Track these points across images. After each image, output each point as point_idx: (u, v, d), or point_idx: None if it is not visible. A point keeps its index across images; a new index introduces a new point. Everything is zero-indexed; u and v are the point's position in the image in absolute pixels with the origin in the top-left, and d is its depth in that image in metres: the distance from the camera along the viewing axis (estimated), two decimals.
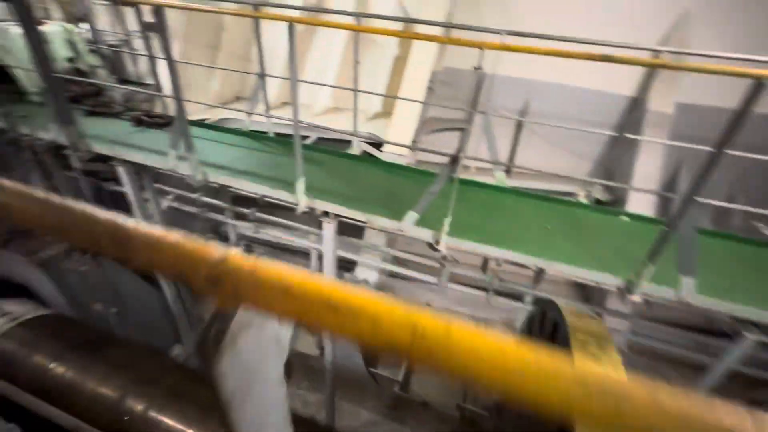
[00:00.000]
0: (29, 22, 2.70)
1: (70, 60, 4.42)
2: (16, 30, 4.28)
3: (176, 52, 5.65)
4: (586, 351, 1.38)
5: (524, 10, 4.70)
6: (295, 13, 5.43)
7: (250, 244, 5.23)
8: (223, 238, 5.47)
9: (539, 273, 3.38)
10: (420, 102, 4.51)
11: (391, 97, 5.06)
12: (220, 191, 4.59)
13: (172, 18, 5.62)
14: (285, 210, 3.27)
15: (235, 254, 0.72)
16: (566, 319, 1.61)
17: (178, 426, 3.13)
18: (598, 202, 4.36)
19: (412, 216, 2.55)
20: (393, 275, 5.09)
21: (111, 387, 3.41)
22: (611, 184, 3.08)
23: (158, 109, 4.36)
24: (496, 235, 2.63)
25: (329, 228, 2.90)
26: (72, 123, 3.16)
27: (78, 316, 4.51)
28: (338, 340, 5.85)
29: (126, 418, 3.20)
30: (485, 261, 4.52)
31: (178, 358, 5.69)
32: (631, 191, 4.46)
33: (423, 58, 5.03)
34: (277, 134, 3.96)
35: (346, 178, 3.27)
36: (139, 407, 3.27)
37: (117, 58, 5.06)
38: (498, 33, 2.73)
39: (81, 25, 4.80)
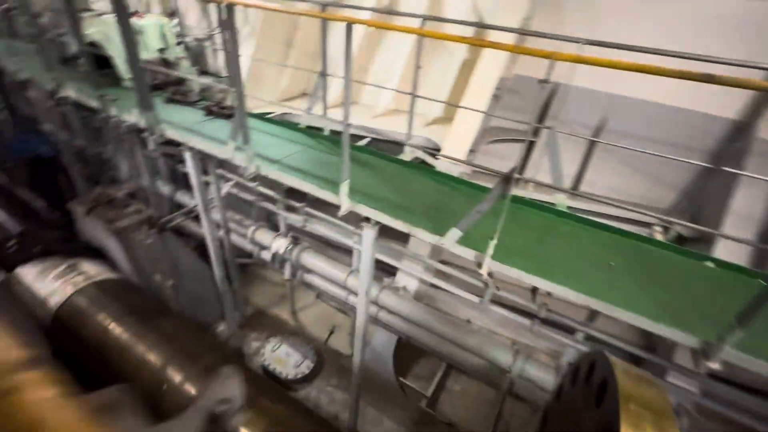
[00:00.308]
0: (123, 15, 2.98)
1: (161, 51, 4.84)
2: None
3: (252, 48, 5.98)
4: (637, 429, 1.14)
5: (610, 16, 4.24)
6: (365, 15, 5.46)
7: (298, 236, 5.36)
8: (275, 227, 5.67)
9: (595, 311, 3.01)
10: (482, 112, 4.29)
11: (452, 105, 4.88)
12: (275, 182, 4.77)
13: (253, 16, 5.96)
14: (333, 206, 3.27)
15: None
16: (618, 381, 1.36)
17: None
18: (679, 239, 3.80)
19: (455, 233, 2.39)
20: (434, 286, 4.92)
21: (157, 354, 3.68)
22: (697, 227, 2.62)
23: (229, 101, 4.63)
24: (549, 264, 2.37)
25: (369, 233, 2.83)
26: (151, 109, 3.45)
27: (140, 283, 4.97)
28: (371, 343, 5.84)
29: (164, 386, 3.42)
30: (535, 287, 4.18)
31: (221, 335, 6.03)
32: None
33: (492, 64, 4.79)
34: (333, 132, 3.99)
35: (394, 184, 3.18)
36: (177, 378, 3.48)
37: (200, 52, 5.48)
38: (577, 42, 2.46)
39: (174, 18, 5.24)
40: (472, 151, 4.82)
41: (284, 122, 4.31)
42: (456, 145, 4.57)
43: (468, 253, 2.38)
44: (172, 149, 4.05)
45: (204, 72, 5.53)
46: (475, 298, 3.99)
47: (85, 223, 4.95)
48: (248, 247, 5.53)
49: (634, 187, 4.47)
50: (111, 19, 4.82)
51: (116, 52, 4.73)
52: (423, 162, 3.99)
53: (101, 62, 4.53)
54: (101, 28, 4.71)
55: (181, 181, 5.90)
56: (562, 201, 3.06)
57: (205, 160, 4.15)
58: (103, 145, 5.89)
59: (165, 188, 5.92)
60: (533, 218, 2.92)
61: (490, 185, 3.16)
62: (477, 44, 2.72)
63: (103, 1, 7.48)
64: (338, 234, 4.73)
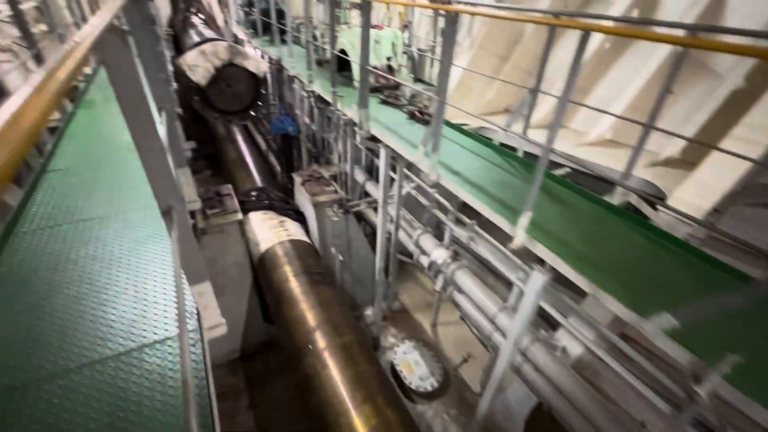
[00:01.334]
0: (367, 27, 3.43)
1: (388, 58, 5.47)
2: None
3: (466, 59, 6.08)
4: None
5: None
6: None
7: (459, 252, 5.21)
8: (440, 236, 5.68)
9: None
10: (756, 162, 3.08)
11: (706, 145, 3.67)
12: (452, 193, 4.74)
13: (477, 29, 6.04)
14: (506, 234, 2.96)
15: None
16: None
17: (335, 378, 3.54)
18: None
19: (665, 319, 1.73)
20: (605, 363, 3.91)
21: (312, 315, 4.22)
22: None
23: (431, 109, 4.85)
24: None
25: (538, 278, 2.40)
26: (366, 107, 3.90)
27: (319, 250, 5.85)
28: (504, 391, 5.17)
29: (310, 347, 3.88)
30: None
31: (366, 319, 6.52)
32: None
33: None
34: (527, 154, 3.61)
35: (588, 229, 2.61)
36: (320, 344, 3.89)
37: (420, 61, 5.93)
38: None
39: (407, 30, 5.83)
40: (716, 210, 3.54)
41: (478, 136, 4.18)
42: (693, 197, 3.45)
43: (679, 352, 1.69)
44: (373, 144, 4.52)
45: (418, 80, 5.97)
46: (665, 406, 2.93)
47: (299, 191, 6.14)
48: (411, 247, 5.73)
49: None
50: (358, 30, 5.78)
51: (355, 57, 5.62)
52: (635, 210, 3.16)
53: (344, 65, 5.46)
54: (350, 37, 5.68)
55: (374, 173, 6.62)
56: None
57: (396, 159, 4.46)
58: (328, 131, 7.20)
59: (360, 176, 6.76)
60: None
61: (732, 261, 2.20)
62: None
63: (358, 17, 9.05)
64: (502, 263, 4.32)
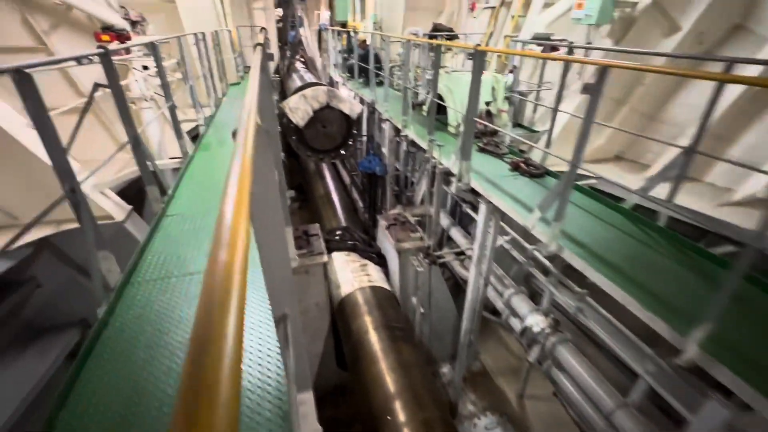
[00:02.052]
0: (477, 77, 3.20)
1: (487, 103, 5.19)
2: (462, 77, 5.52)
3: (575, 103, 5.53)
4: None
5: None
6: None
7: (558, 321, 4.50)
8: (533, 295, 5.03)
9: None
10: None
11: None
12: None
13: (590, 71, 5.50)
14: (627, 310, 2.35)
15: None
16: None
17: None
18: None
19: None
20: None
21: (392, 379, 3.87)
22: None
23: (536, 158, 4.39)
24: None
25: (718, 413, 1.77)
26: (468, 159, 3.62)
27: (400, 299, 5.56)
28: None
29: (388, 417, 3.51)
30: None
31: (443, 377, 5.95)
32: None
33: None
34: (675, 221, 2.94)
35: None
36: (400, 417, 3.50)
37: (521, 105, 5.55)
38: None
39: (508, 74, 5.53)
40: None
41: (597, 194, 3.59)
42: None
43: None
44: (470, 196, 4.18)
45: (518, 124, 5.58)
46: None
47: (382, 234, 5.99)
48: (499, 305, 5.14)
49: None
50: (457, 75, 5.62)
51: (451, 102, 5.45)
52: None
53: (438, 109, 5.30)
54: (447, 82, 5.55)
55: (456, 215, 6.24)
56: None
57: (494, 212, 4.06)
58: (413, 172, 7.06)
59: (444, 220, 6.42)
60: None
61: None
62: None
63: (452, 60, 9.04)
64: (625, 349, 3.56)
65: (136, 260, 2.42)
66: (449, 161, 4.05)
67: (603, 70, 2.03)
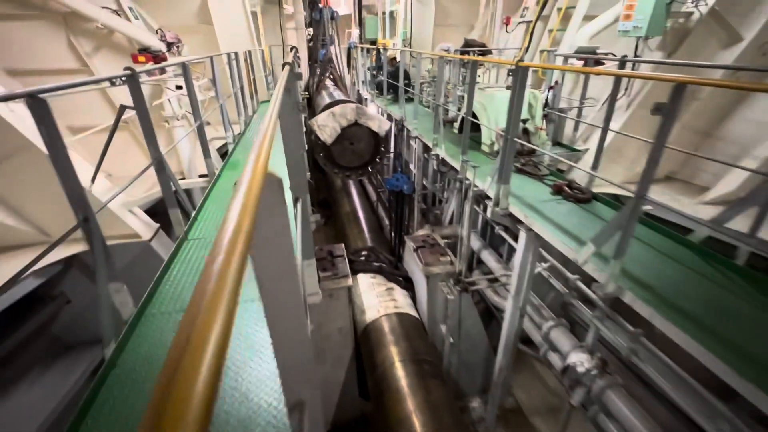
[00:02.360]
0: (521, 95, 2.94)
1: (524, 121, 4.88)
2: (496, 93, 5.25)
3: (622, 120, 5.12)
4: None
5: None
6: None
7: (606, 361, 4.03)
8: (572, 324, 4.59)
9: None
10: None
11: None
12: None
13: (638, 86, 5.10)
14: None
15: None
16: None
17: None
18: None
19: None
20: None
21: (419, 421, 3.54)
22: None
23: (580, 181, 4.02)
24: None
25: None
26: (507, 182, 3.32)
27: (427, 327, 5.22)
28: None
29: None
30: None
31: (472, 412, 5.52)
32: None
33: None
34: (758, 258, 2.52)
35: None
36: None
37: (560, 123, 5.20)
38: None
39: (547, 90, 5.21)
40: None
41: (656, 223, 3.18)
42: None
43: None
44: (507, 220, 3.86)
45: (557, 143, 5.21)
46: None
47: (410, 257, 5.71)
48: (536, 337, 4.71)
49: None
50: (491, 91, 5.36)
51: (485, 120, 5.18)
52: None
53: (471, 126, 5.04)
54: (481, 99, 5.29)
55: (487, 236, 5.88)
56: None
57: (534, 240, 3.71)
58: (442, 191, 6.79)
59: (475, 242, 6.07)
60: None
61: None
62: None
63: (485, 77, 8.79)
64: (691, 402, 3.07)
65: (151, 291, 2.28)
66: (484, 183, 3.77)
67: (679, 88, 1.72)
